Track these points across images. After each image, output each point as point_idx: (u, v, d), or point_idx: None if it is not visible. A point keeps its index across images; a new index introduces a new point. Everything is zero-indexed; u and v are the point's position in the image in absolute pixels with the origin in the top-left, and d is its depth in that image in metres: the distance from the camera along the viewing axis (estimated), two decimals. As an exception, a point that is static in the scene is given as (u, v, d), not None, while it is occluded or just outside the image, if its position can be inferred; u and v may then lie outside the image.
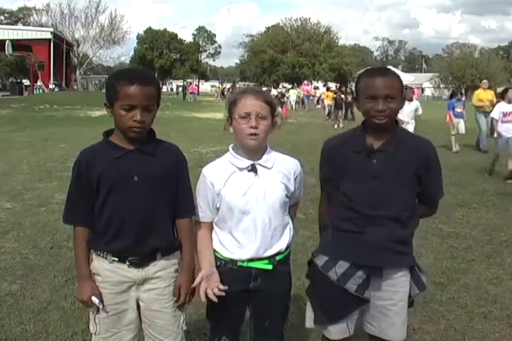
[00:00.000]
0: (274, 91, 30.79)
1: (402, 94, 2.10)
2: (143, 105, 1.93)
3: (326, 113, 23.81)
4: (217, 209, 2.12)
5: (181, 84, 51.28)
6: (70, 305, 3.42)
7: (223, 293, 2.01)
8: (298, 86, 39.26)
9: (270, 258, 2.11)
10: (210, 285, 2.02)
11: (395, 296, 2.15)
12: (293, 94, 32.42)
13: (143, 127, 1.96)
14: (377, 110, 2.04)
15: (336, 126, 18.41)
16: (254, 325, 2.22)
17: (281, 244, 2.14)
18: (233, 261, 2.10)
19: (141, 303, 2.10)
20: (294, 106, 31.06)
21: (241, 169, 2.08)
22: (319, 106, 32.61)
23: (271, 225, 2.09)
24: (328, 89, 28.01)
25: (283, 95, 26.89)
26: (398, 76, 2.12)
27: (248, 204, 2.06)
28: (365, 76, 2.12)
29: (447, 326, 3.29)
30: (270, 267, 2.11)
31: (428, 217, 2.43)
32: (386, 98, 2.02)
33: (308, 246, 4.72)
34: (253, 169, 2.08)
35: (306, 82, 40.75)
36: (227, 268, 2.10)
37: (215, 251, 2.14)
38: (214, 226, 2.17)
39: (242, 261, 2.09)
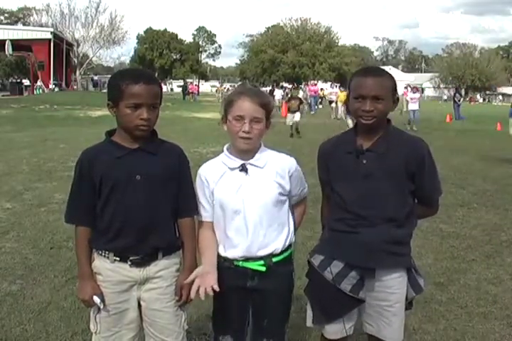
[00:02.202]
0: (279, 94, 28.82)
1: (394, 94, 2.07)
2: (149, 103, 1.94)
3: (337, 116, 22.69)
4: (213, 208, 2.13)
5: (181, 84, 51.28)
6: (70, 305, 3.42)
7: (211, 293, 1.95)
8: (301, 86, 37.66)
9: (265, 259, 2.09)
10: (204, 283, 1.97)
11: (390, 297, 2.13)
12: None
13: (149, 125, 1.97)
14: (364, 110, 2.03)
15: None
16: (253, 324, 2.22)
17: (278, 244, 2.11)
18: (229, 260, 2.11)
19: (142, 303, 2.10)
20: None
21: (232, 169, 2.08)
22: (321, 106, 32.10)
23: (262, 224, 2.07)
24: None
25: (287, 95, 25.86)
26: (391, 76, 2.10)
27: (239, 204, 2.06)
28: (356, 75, 2.12)
29: (447, 326, 3.29)
30: (263, 269, 2.09)
31: (429, 217, 2.42)
32: (374, 98, 2.01)
33: (308, 246, 4.71)
34: (243, 169, 2.07)
35: (313, 81, 38.06)
36: (225, 266, 2.10)
37: None
38: (214, 226, 2.17)
39: (237, 261, 2.10)
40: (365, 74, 2.07)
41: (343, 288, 2.11)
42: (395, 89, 2.10)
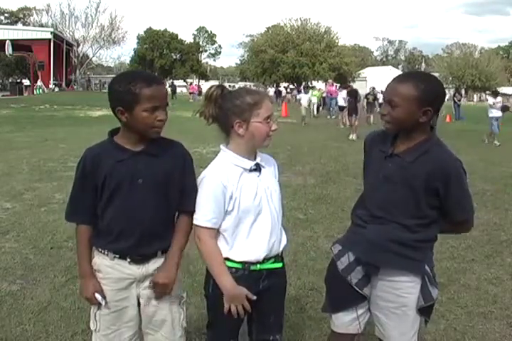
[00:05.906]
0: (305, 99, 22.10)
1: (420, 105, 1.93)
2: (164, 104, 1.96)
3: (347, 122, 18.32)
4: (225, 213, 2.07)
5: (182, 84, 51.24)
6: (70, 305, 3.42)
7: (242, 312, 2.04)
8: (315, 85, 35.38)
9: (276, 256, 2.14)
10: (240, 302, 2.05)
11: (397, 300, 2.12)
12: (313, 96, 24.24)
13: (164, 125, 1.99)
14: (381, 112, 2.05)
15: (352, 136, 13.24)
16: (258, 323, 2.20)
17: (285, 239, 2.19)
18: (245, 266, 2.07)
19: (141, 300, 2.09)
20: (315, 112, 24.45)
21: (249, 170, 2.08)
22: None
23: (278, 222, 2.14)
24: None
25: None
26: (419, 85, 1.93)
27: (260, 205, 2.07)
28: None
29: (447, 326, 3.29)
30: (280, 265, 2.16)
31: (458, 233, 2.34)
32: (389, 103, 2.00)
33: (308, 246, 4.72)
34: (257, 169, 2.10)
35: (330, 81, 31.98)
36: (238, 275, 2.07)
37: (225, 259, 2.08)
38: (223, 232, 2.10)
39: (255, 265, 2.08)
40: (394, 79, 2.06)
41: (350, 280, 2.14)
42: (425, 101, 1.93)
